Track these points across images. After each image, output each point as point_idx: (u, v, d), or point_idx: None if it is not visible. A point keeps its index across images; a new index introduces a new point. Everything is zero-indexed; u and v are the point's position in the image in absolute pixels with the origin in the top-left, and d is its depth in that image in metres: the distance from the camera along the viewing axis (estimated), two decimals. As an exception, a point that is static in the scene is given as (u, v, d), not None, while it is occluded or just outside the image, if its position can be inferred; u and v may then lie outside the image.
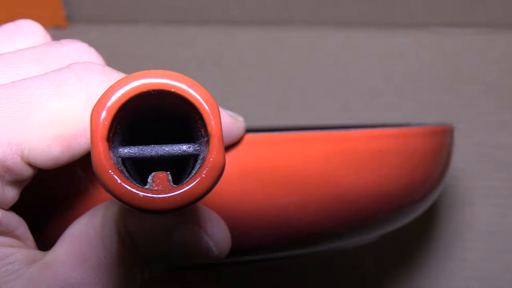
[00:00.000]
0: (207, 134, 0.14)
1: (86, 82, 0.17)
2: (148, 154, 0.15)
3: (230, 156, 0.21)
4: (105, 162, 0.13)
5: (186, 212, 0.18)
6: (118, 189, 0.13)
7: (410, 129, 0.25)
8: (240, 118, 0.21)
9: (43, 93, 0.17)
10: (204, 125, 0.14)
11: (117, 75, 0.18)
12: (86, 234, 0.18)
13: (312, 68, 0.39)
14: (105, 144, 0.14)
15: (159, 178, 0.14)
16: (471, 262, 0.36)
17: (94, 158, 0.13)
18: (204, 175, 0.14)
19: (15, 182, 0.17)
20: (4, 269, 0.17)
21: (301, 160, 0.22)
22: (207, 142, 0.14)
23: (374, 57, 0.39)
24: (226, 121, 0.20)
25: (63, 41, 0.19)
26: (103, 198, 0.20)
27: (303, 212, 0.23)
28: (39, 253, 0.18)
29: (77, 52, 0.19)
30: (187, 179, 0.14)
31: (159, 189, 0.14)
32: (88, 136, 0.17)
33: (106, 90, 0.14)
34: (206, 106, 0.14)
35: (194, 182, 0.14)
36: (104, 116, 0.14)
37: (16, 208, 0.18)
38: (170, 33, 0.41)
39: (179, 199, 0.13)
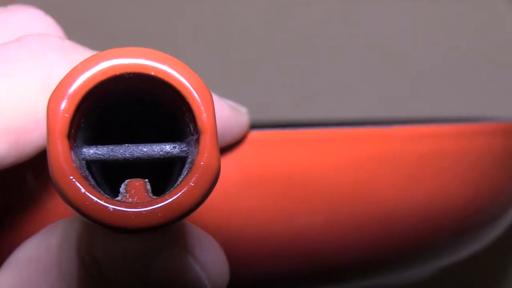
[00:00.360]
0: (197, 130, 0.15)
1: (41, 59, 0.19)
2: (120, 155, 0.16)
3: (230, 159, 0.22)
4: (65, 166, 0.15)
5: (169, 232, 0.19)
6: (81, 201, 0.14)
7: (476, 126, 0.26)
8: (243, 110, 0.22)
9: None
10: (193, 119, 0.15)
11: (81, 52, 0.20)
12: (38, 258, 0.19)
13: (342, 43, 0.40)
14: (66, 143, 0.15)
15: (135, 188, 0.15)
16: None
17: (52, 160, 0.15)
18: (192, 183, 0.15)
19: None
20: None
21: (325, 167, 0.23)
22: (197, 141, 0.15)
23: (425, 28, 0.40)
24: (224, 114, 0.21)
25: (11, 8, 0.21)
26: (61, 213, 0.21)
27: (328, 236, 0.24)
28: None
29: (29, 21, 0.20)
30: (170, 189, 0.15)
31: (135, 201, 0.15)
32: (42, 130, 0.19)
33: (67, 74, 0.15)
34: (195, 95, 0.15)
35: (180, 193, 0.15)
36: (65, 106, 0.15)
37: None
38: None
39: (160, 214, 0.15)
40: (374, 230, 0.24)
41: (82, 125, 0.16)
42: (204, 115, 0.15)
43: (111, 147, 0.16)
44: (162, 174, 0.18)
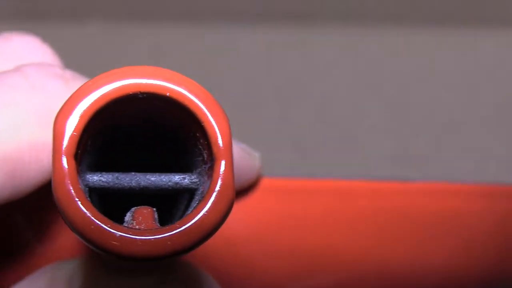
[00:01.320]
0: (211, 158, 0.16)
1: (40, 89, 0.19)
2: (126, 184, 0.17)
3: (239, 209, 0.23)
4: (71, 187, 0.15)
5: (170, 268, 0.20)
6: (87, 226, 0.15)
7: (498, 188, 0.27)
8: (256, 154, 0.23)
9: None
10: (208, 146, 0.16)
11: (82, 82, 0.20)
12: None
13: (351, 84, 0.41)
14: (73, 163, 0.15)
15: (142, 215, 0.16)
16: None
17: (56, 181, 0.15)
18: (206, 213, 0.15)
19: None
20: None
21: (337, 225, 0.24)
22: (211, 169, 0.16)
23: (450, 67, 0.41)
24: (235, 155, 0.22)
25: (6, 35, 0.21)
26: (51, 257, 0.22)
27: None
28: None
29: (27, 49, 0.21)
30: (181, 218, 0.16)
31: (142, 229, 0.15)
32: (41, 164, 0.19)
33: (78, 90, 0.16)
34: (211, 119, 0.16)
35: (192, 222, 0.15)
36: (74, 124, 0.15)
37: None
38: (135, 32, 0.43)
39: (169, 242, 0.15)
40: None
41: (88, 148, 0.16)
42: (220, 141, 0.16)
43: (116, 174, 0.17)
44: (165, 203, 0.18)
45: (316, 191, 0.24)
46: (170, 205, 0.18)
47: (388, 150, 0.40)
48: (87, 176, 0.16)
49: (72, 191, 0.15)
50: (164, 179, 0.17)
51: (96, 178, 0.17)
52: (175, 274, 0.20)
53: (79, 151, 0.16)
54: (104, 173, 0.17)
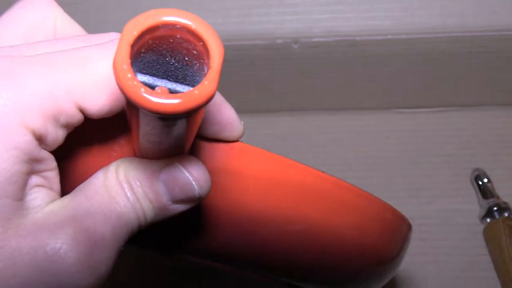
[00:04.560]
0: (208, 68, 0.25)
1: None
2: (159, 85, 0.26)
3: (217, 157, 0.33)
4: (123, 57, 0.23)
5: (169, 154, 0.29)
6: (128, 82, 0.24)
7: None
8: (241, 121, 0.32)
9: (93, 53, 0.28)
10: (208, 64, 0.25)
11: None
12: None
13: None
14: (128, 48, 0.24)
15: (161, 89, 0.26)
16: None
17: (116, 54, 0.24)
18: (197, 92, 0.23)
19: (66, 125, 0.27)
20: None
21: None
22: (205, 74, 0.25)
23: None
24: (232, 114, 0.32)
25: (104, 33, 0.31)
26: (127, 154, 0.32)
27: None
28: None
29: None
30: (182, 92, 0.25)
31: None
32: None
33: (140, 15, 0.24)
34: (214, 45, 0.25)
35: (188, 95, 0.24)
36: (137, 27, 0.24)
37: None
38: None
39: (170, 103, 0.24)
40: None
41: (142, 54, 0.25)
42: (216, 59, 0.24)
43: (154, 78, 0.26)
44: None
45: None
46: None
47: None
48: (138, 75, 0.26)
49: (123, 59, 0.23)
50: (180, 87, 0.26)
51: (141, 76, 0.26)
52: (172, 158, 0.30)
53: (134, 47, 0.25)
54: (149, 75, 0.26)
